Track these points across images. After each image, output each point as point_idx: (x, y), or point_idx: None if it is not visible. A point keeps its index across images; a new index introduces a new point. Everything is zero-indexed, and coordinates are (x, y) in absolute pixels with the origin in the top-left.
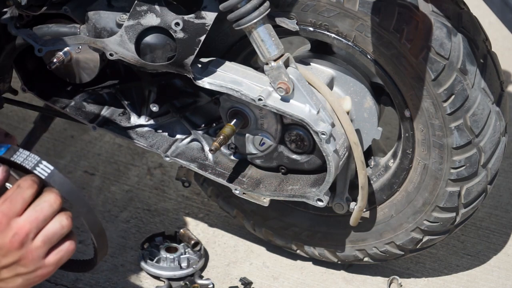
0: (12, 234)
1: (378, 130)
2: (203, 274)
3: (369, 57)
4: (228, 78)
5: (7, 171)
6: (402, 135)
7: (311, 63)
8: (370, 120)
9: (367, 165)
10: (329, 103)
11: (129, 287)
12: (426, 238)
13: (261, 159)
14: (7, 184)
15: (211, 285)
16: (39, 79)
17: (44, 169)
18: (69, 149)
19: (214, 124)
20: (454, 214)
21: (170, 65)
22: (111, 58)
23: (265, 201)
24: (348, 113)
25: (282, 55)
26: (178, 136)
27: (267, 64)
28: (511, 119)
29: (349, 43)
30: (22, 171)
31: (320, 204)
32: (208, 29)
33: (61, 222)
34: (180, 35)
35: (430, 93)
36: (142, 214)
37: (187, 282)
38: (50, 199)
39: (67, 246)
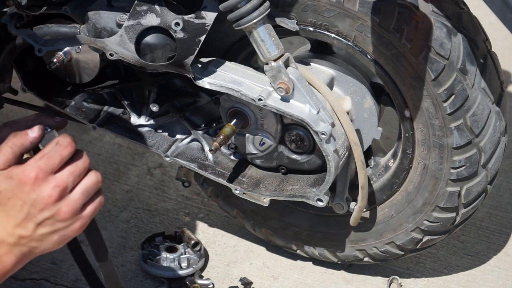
0: (51, 186)
1: (378, 130)
2: (203, 274)
3: (369, 57)
4: (228, 78)
5: (42, 130)
6: (402, 135)
7: (311, 63)
8: (370, 120)
9: (367, 165)
10: (329, 103)
11: (129, 287)
12: (426, 238)
13: (261, 159)
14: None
15: (211, 285)
16: (39, 79)
17: None
18: None
19: (214, 124)
20: (454, 214)
21: (170, 65)
22: (111, 58)
23: (265, 201)
24: (348, 113)
25: (282, 55)
26: (178, 136)
27: (267, 64)
28: (511, 119)
29: (349, 43)
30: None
31: (320, 204)
32: (208, 29)
33: (97, 177)
34: (180, 35)
35: (430, 93)
36: (142, 214)
37: (187, 282)
38: (83, 157)
39: (100, 199)
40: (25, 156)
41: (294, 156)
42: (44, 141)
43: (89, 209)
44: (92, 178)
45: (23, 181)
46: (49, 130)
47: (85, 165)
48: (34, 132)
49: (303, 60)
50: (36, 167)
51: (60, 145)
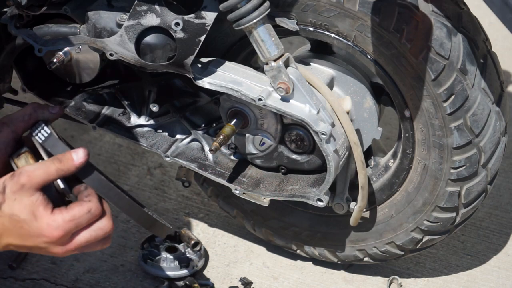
0: (63, 250)
1: (378, 130)
2: (203, 274)
3: (369, 57)
4: (228, 78)
5: (87, 155)
6: (402, 135)
7: (311, 63)
8: (370, 120)
9: (367, 165)
10: (329, 103)
11: (129, 287)
12: (426, 238)
13: (261, 159)
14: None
15: (211, 285)
16: (39, 79)
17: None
18: None
19: (214, 124)
20: (454, 214)
21: (170, 65)
22: (111, 58)
23: (265, 201)
24: (348, 113)
25: (282, 55)
26: (178, 136)
27: (267, 64)
28: (511, 119)
29: (349, 43)
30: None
31: (320, 204)
32: (208, 29)
33: (108, 244)
34: (180, 35)
35: (430, 93)
36: None
37: (187, 282)
38: (105, 227)
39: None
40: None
41: (294, 156)
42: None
43: (75, 252)
44: (103, 245)
45: (43, 233)
46: (54, 135)
47: (105, 234)
48: (79, 158)
49: (303, 60)
50: (63, 230)
51: (91, 214)
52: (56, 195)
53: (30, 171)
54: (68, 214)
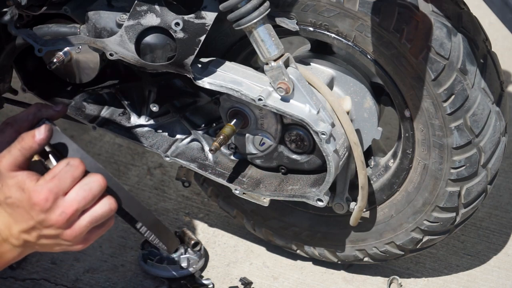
0: (59, 212)
1: (378, 130)
2: (203, 274)
3: (369, 57)
4: (228, 78)
5: (50, 130)
6: (402, 135)
7: (311, 63)
8: (370, 120)
9: (367, 165)
10: (329, 103)
11: (129, 287)
12: (426, 238)
13: (261, 159)
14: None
15: (211, 285)
16: (39, 79)
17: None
18: None
19: (214, 124)
20: (454, 214)
21: (170, 65)
22: (111, 58)
23: (265, 201)
24: (348, 113)
25: (282, 55)
26: (178, 136)
27: (267, 64)
28: (511, 119)
29: (349, 43)
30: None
31: (320, 204)
32: (208, 29)
33: (110, 205)
34: (180, 35)
35: (430, 93)
36: None
37: (187, 282)
38: (98, 179)
39: (108, 225)
40: (34, 158)
41: (294, 156)
42: (53, 140)
43: (93, 236)
44: (104, 207)
45: (33, 201)
46: (58, 129)
47: (100, 190)
48: (41, 134)
49: (303, 60)
50: (47, 189)
51: (71, 166)
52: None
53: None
54: (48, 174)
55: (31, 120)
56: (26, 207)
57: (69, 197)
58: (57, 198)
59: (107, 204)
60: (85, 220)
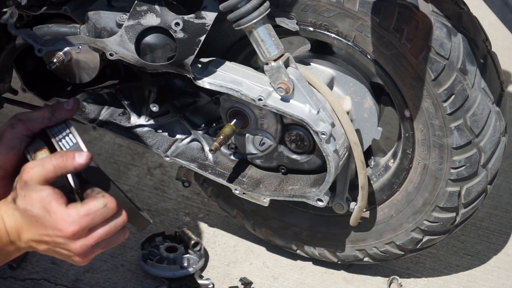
0: (80, 243)
1: (378, 130)
2: (203, 274)
3: (369, 57)
4: (228, 78)
5: (90, 158)
6: (402, 135)
7: (311, 63)
8: (370, 120)
9: (367, 165)
10: (329, 103)
11: (129, 287)
12: (426, 238)
13: (261, 159)
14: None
15: (211, 285)
16: (39, 79)
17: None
18: None
19: (214, 124)
20: (454, 214)
21: (170, 65)
22: (111, 58)
23: (265, 201)
24: (348, 113)
25: (282, 55)
26: (178, 136)
27: (267, 64)
28: (511, 119)
29: (349, 43)
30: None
31: (320, 204)
32: (208, 29)
33: (124, 236)
34: (180, 35)
35: (430, 93)
36: None
37: (187, 282)
38: (124, 218)
39: (106, 248)
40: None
41: (294, 156)
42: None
43: (92, 255)
44: (119, 238)
45: (59, 227)
46: (84, 150)
47: (121, 225)
48: (82, 158)
49: (303, 60)
50: (78, 224)
51: (108, 208)
52: (71, 191)
53: (30, 167)
54: (83, 208)
55: (45, 123)
56: (47, 227)
57: (95, 234)
58: (84, 234)
59: (121, 236)
60: (99, 248)
